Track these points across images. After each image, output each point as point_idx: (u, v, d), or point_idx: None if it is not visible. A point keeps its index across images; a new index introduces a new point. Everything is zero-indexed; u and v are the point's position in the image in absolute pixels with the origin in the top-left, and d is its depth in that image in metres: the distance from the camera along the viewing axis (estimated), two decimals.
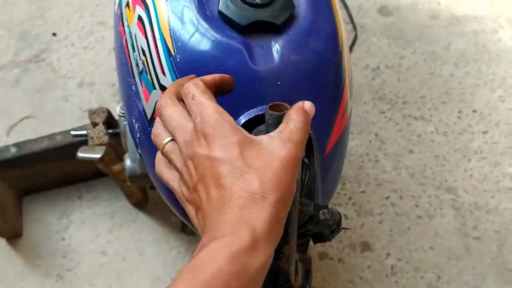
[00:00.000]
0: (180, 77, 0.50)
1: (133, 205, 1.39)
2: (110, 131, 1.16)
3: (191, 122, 0.43)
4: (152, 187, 1.09)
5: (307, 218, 0.57)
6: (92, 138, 1.14)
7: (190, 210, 0.45)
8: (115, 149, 1.17)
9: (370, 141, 1.48)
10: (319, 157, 0.55)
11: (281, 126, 0.43)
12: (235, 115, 0.51)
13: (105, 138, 1.13)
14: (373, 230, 1.33)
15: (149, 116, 0.55)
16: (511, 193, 1.37)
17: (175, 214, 1.30)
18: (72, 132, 1.19)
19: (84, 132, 1.17)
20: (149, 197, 1.39)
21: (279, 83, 0.51)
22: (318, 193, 0.58)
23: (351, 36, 1.69)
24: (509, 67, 1.60)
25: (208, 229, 0.41)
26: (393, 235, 1.32)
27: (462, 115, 1.52)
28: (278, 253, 0.53)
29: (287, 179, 0.40)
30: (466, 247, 1.30)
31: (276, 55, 0.51)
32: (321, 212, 0.57)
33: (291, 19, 0.53)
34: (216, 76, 0.45)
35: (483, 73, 1.60)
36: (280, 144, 0.41)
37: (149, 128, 0.55)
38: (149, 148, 0.58)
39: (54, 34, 1.74)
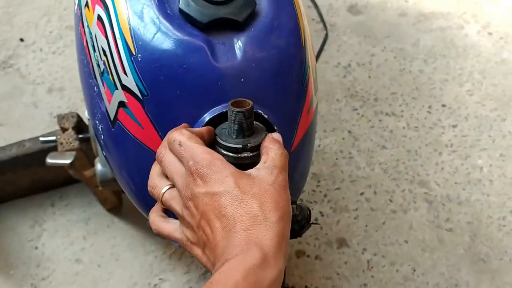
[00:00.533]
0: (142, 76, 0.50)
1: (108, 211, 1.37)
2: (80, 136, 1.14)
3: (183, 167, 0.46)
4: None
5: None
6: (61, 143, 1.12)
7: (197, 251, 0.46)
8: (86, 154, 1.15)
9: (343, 138, 1.49)
10: None
11: (263, 157, 0.46)
12: (200, 113, 0.51)
13: (75, 143, 1.11)
14: (349, 226, 1.34)
15: (112, 117, 0.54)
16: (481, 184, 1.40)
17: None
18: (41, 138, 1.17)
19: (53, 138, 1.15)
20: (124, 202, 1.37)
21: (242, 80, 0.51)
22: None
23: (322, 35, 1.71)
24: (476, 62, 1.64)
25: (218, 257, 0.42)
26: (369, 230, 1.33)
27: (432, 110, 1.55)
28: None
29: (283, 200, 0.44)
30: (439, 239, 1.32)
31: (238, 52, 0.51)
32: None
33: (252, 16, 0.53)
34: (204, 129, 0.48)
35: (451, 68, 1.63)
36: (268, 172, 0.45)
37: (113, 129, 0.54)
38: (113, 149, 0.57)
39: (21, 40, 1.71)
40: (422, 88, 1.59)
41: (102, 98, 0.54)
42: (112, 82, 0.52)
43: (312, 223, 0.61)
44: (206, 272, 1.28)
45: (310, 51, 0.59)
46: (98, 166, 0.99)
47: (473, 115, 1.53)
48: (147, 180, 0.50)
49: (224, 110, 0.50)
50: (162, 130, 0.51)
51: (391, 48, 1.68)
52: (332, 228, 1.34)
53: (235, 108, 0.45)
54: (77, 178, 1.17)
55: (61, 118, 1.15)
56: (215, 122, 0.50)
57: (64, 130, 1.14)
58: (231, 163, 0.46)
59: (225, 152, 0.46)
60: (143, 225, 1.34)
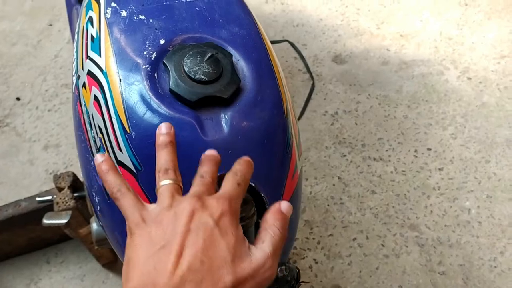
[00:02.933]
0: (136, 152, 0.54)
1: (103, 266, 1.37)
2: (76, 194, 1.17)
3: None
4: None
5: None
6: (57, 203, 1.14)
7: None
8: (81, 212, 1.18)
9: (334, 185, 1.53)
10: None
11: (262, 233, 0.45)
12: (190, 184, 0.54)
13: (71, 203, 1.14)
14: (343, 272, 1.35)
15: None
16: (470, 226, 1.43)
17: None
18: (38, 199, 1.19)
19: (49, 197, 1.17)
20: (118, 257, 1.38)
21: (229, 152, 0.55)
22: None
23: (309, 85, 1.77)
24: (457, 106, 1.70)
25: None
26: (363, 276, 1.35)
27: (418, 154, 1.59)
28: None
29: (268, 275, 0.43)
30: (433, 283, 1.33)
31: (225, 126, 0.56)
32: (279, 269, 0.60)
33: (237, 92, 0.57)
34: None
35: (434, 113, 1.69)
36: (262, 256, 0.43)
37: (109, 201, 0.58)
38: (109, 219, 0.60)
39: (17, 99, 1.76)
40: (407, 133, 1.64)
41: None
42: None
43: (302, 282, 0.64)
44: None
45: (293, 120, 0.63)
46: (94, 225, 1.01)
47: (458, 158, 1.58)
48: None
49: None
50: (155, 202, 0.54)
51: (376, 95, 1.74)
52: (327, 275, 1.35)
53: None
54: (73, 236, 1.19)
55: (57, 177, 1.18)
56: None
57: (60, 189, 1.17)
58: None
59: None
60: None
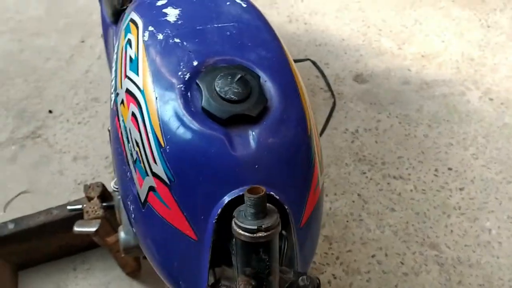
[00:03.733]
0: (170, 165, 0.58)
1: (127, 275, 1.42)
2: (104, 204, 1.22)
3: None
4: (146, 258, 1.14)
5: (288, 285, 0.63)
6: (87, 212, 1.19)
7: None
8: (109, 221, 1.22)
9: (353, 201, 1.55)
10: (296, 228, 0.62)
11: None
12: (219, 196, 0.58)
13: (100, 212, 1.19)
14: None
15: (142, 199, 0.62)
16: (490, 246, 1.43)
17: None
18: (68, 207, 1.25)
19: (79, 206, 1.23)
20: (143, 266, 1.43)
21: (256, 166, 0.59)
22: (297, 262, 0.64)
23: (330, 103, 1.81)
24: (479, 126, 1.71)
25: None
26: None
27: (438, 173, 1.60)
28: None
29: None
30: None
31: (252, 142, 0.60)
32: (300, 278, 0.63)
33: (265, 110, 0.62)
34: None
35: (455, 133, 1.71)
36: None
37: (143, 210, 0.62)
38: (143, 227, 0.65)
39: (50, 111, 1.84)
40: (427, 152, 1.66)
41: (134, 183, 0.63)
42: (144, 169, 0.60)
43: None
44: None
45: (316, 137, 0.67)
46: (122, 234, 1.05)
47: (479, 178, 1.58)
48: (171, 254, 0.56)
49: (241, 193, 0.58)
50: (187, 211, 0.58)
51: (396, 114, 1.77)
52: None
53: (250, 195, 0.52)
54: (101, 244, 1.24)
55: (87, 187, 1.24)
56: (233, 203, 0.58)
57: (90, 199, 1.23)
58: (247, 242, 0.53)
59: (242, 232, 0.53)
60: None
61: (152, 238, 0.64)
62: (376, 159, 1.65)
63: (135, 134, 0.62)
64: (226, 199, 0.58)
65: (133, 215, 0.66)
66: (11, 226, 1.32)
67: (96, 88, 1.91)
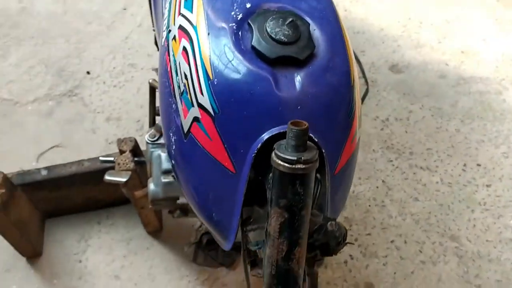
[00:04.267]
0: (216, 97, 0.60)
1: (149, 233, 1.45)
2: (136, 159, 1.25)
3: None
4: (171, 212, 1.16)
5: (317, 227, 0.64)
6: (118, 164, 1.23)
7: None
8: (139, 176, 1.26)
9: (377, 187, 1.55)
10: (330, 174, 0.63)
11: None
12: (260, 132, 0.60)
13: (131, 165, 1.22)
14: (377, 271, 1.37)
15: (185, 130, 0.64)
16: None
17: (187, 244, 1.36)
18: (101, 158, 1.28)
19: (111, 158, 1.26)
20: (164, 227, 1.46)
21: (298, 107, 0.60)
22: (327, 208, 0.65)
23: (363, 90, 1.81)
24: None
25: None
26: (397, 278, 1.36)
27: (467, 168, 1.59)
28: (290, 254, 0.60)
29: None
30: None
31: (297, 85, 0.61)
32: (329, 223, 0.64)
33: (312, 56, 0.63)
34: None
35: (488, 130, 1.69)
36: None
37: (185, 140, 0.64)
38: (183, 158, 0.67)
39: (88, 72, 1.89)
40: (458, 146, 1.64)
41: (179, 114, 0.65)
42: (190, 100, 0.63)
43: (348, 243, 0.68)
44: None
45: (357, 91, 0.68)
46: (151, 186, 1.08)
47: (507, 177, 1.56)
48: (208, 185, 0.58)
49: (281, 131, 0.59)
50: (228, 143, 0.60)
51: (429, 106, 1.76)
52: (361, 272, 1.37)
53: (294, 127, 0.54)
54: (128, 196, 1.27)
55: (120, 141, 1.27)
56: (272, 141, 0.59)
57: (122, 152, 1.26)
58: (285, 173, 0.54)
59: (281, 163, 0.54)
60: (180, 251, 1.42)
61: (191, 168, 0.66)
62: (404, 148, 1.65)
63: (185, 67, 0.64)
64: (266, 135, 0.60)
65: (173, 147, 0.68)
66: (44, 173, 1.36)
67: (134, 55, 1.95)
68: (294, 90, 0.61)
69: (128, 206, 1.45)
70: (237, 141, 0.60)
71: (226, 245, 0.67)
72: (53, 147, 1.67)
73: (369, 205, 1.51)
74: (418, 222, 1.47)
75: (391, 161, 1.62)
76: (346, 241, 0.68)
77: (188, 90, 0.63)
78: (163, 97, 0.71)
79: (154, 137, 1.10)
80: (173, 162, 0.70)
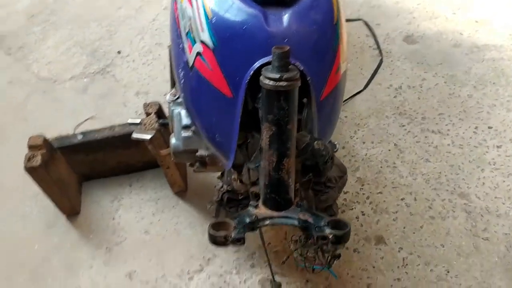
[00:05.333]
0: (214, 32, 0.71)
1: (175, 194, 1.58)
2: (160, 120, 1.38)
3: None
4: (192, 164, 1.28)
5: (305, 145, 0.74)
6: (144, 124, 1.36)
7: None
8: (163, 136, 1.38)
9: (389, 150, 1.62)
10: (316, 100, 0.73)
11: None
12: (252, 61, 0.70)
13: (156, 125, 1.35)
14: (387, 226, 1.45)
15: (190, 64, 0.75)
16: None
17: (210, 202, 1.48)
18: (129, 121, 1.42)
19: (138, 120, 1.39)
20: (189, 187, 1.58)
21: (285, 40, 0.71)
22: (315, 130, 0.75)
23: (377, 60, 1.88)
24: None
25: None
26: (406, 232, 1.43)
27: (478, 130, 1.64)
28: (279, 165, 0.70)
29: None
30: (475, 246, 1.39)
31: (285, 21, 0.71)
32: (315, 142, 0.74)
33: None
34: None
35: (500, 95, 1.72)
36: None
37: (190, 73, 0.76)
38: (189, 87, 0.79)
39: (118, 52, 2.03)
40: (469, 110, 1.69)
41: (185, 52, 0.76)
42: (193, 38, 0.74)
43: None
44: (253, 253, 1.43)
45: (342, 29, 0.77)
46: (173, 140, 1.20)
47: None
48: (211, 111, 0.68)
49: (270, 60, 0.69)
50: (226, 72, 0.71)
51: (443, 74, 1.81)
52: (372, 226, 1.45)
53: (276, 50, 0.64)
54: (154, 154, 1.40)
55: (146, 105, 1.40)
56: (262, 68, 0.70)
57: (147, 114, 1.39)
58: (271, 90, 0.65)
59: (267, 82, 0.65)
60: (203, 208, 1.53)
61: (197, 98, 0.77)
62: (417, 114, 1.71)
63: (189, 11, 0.76)
64: (258, 64, 0.70)
65: (182, 81, 0.79)
66: (80, 137, 1.51)
67: (160, 35, 2.08)
68: (282, 26, 0.71)
69: (156, 171, 1.59)
70: (233, 70, 0.71)
71: (227, 164, 0.78)
72: (88, 119, 1.82)
73: (381, 167, 1.59)
74: (428, 181, 1.54)
75: (403, 126, 1.68)
76: (333, 160, 0.77)
77: (191, 29, 0.74)
78: (173, 39, 0.83)
79: (174, 96, 1.22)
80: (183, 94, 0.82)
